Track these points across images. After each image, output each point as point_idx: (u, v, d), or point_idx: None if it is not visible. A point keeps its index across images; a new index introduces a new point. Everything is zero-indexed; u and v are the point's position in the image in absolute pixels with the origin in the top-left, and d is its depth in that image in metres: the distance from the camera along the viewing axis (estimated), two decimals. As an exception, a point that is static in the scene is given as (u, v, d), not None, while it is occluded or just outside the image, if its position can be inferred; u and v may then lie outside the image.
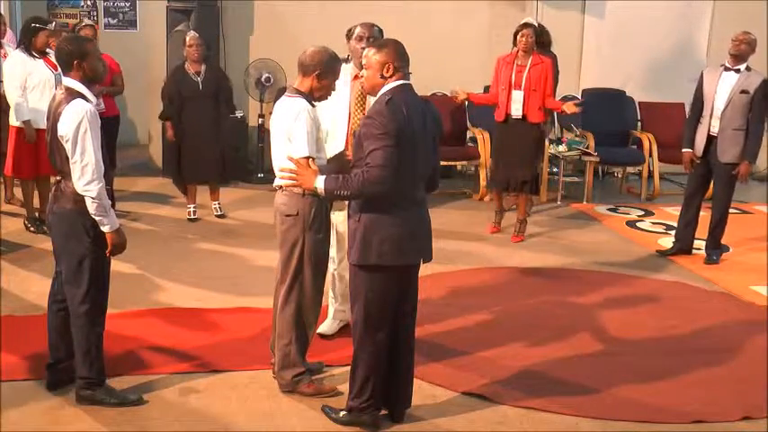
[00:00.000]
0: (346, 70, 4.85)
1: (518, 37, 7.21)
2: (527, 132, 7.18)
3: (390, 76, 3.74)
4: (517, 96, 7.12)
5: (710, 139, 6.72)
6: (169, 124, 7.49)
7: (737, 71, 6.63)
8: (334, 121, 4.79)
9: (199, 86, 7.42)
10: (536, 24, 7.37)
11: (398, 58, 3.75)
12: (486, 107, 7.67)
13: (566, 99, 8.31)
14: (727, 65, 6.70)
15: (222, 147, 7.63)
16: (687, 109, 8.52)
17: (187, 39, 7.47)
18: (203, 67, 7.48)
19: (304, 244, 4.14)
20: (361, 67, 4.64)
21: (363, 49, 4.54)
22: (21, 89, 6.64)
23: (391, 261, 3.74)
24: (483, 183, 8.87)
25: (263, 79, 9.18)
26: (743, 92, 6.58)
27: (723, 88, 6.65)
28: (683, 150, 6.92)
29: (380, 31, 4.89)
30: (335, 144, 4.70)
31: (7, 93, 6.77)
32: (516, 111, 7.14)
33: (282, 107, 4.15)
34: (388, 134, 3.58)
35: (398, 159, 3.60)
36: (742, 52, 6.62)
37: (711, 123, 6.69)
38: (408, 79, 3.81)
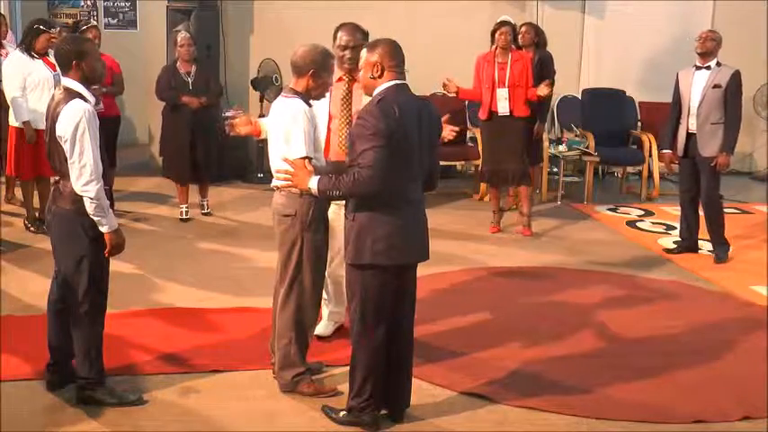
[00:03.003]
0: None
1: (496, 35, 7.32)
2: (514, 127, 7.32)
3: (380, 77, 3.75)
4: (502, 93, 7.25)
5: (690, 137, 6.79)
6: (185, 98, 7.45)
7: (708, 68, 6.74)
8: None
9: (189, 86, 7.52)
10: (513, 22, 7.47)
11: (390, 58, 3.75)
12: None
13: (565, 99, 8.34)
14: (698, 64, 6.80)
15: (210, 146, 7.66)
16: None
17: (179, 39, 7.58)
18: (194, 68, 7.56)
19: (303, 244, 4.14)
20: (344, 69, 4.71)
21: (347, 57, 4.65)
22: (20, 89, 6.64)
23: (385, 261, 3.75)
24: (483, 183, 8.87)
25: (273, 78, 9.19)
26: (715, 86, 6.68)
27: (696, 86, 6.76)
28: (662, 152, 7.04)
29: (365, 34, 4.84)
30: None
31: (6, 93, 6.77)
32: (503, 108, 7.25)
33: (279, 108, 4.15)
34: (378, 134, 3.60)
35: (390, 159, 3.61)
36: (709, 49, 6.73)
37: (689, 121, 6.79)
38: (403, 79, 3.81)
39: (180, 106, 7.46)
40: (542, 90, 7.25)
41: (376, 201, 3.71)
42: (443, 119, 4.48)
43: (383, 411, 4.02)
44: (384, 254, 3.74)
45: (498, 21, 7.44)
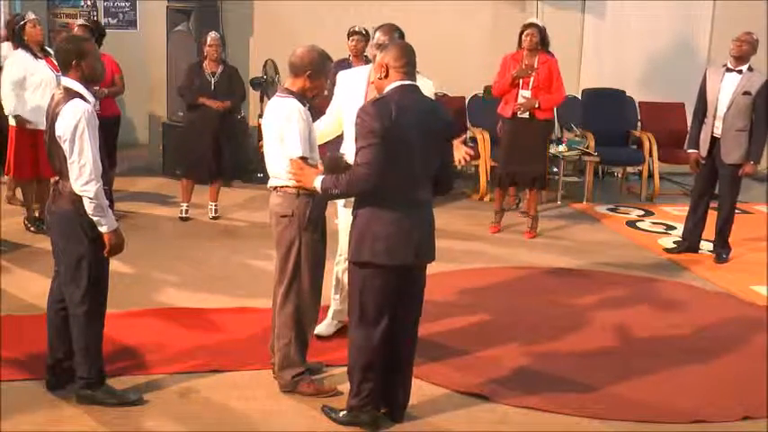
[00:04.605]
0: (363, 73, 4.79)
1: (523, 36, 7.27)
2: (536, 129, 7.29)
3: (385, 77, 3.78)
4: (525, 95, 7.20)
5: (714, 141, 6.72)
6: (203, 99, 7.46)
7: (739, 72, 6.62)
8: (349, 123, 4.78)
9: (211, 86, 7.52)
10: (541, 24, 7.41)
11: (395, 59, 3.78)
12: (495, 106, 7.69)
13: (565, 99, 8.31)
14: (729, 66, 6.69)
15: (228, 147, 7.64)
16: (687, 109, 8.54)
17: (208, 38, 7.59)
18: (220, 68, 7.57)
19: (300, 244, 4.14)
20: None
21: None
22: (17, 86, 6.64)
23: (384, 260, 3.77)
24: (483, 183, 8.88)
25: (274, 78, 9.20)
26: (745, 93, 6.57)
27: (725, 90, 6.64)
28: (689, 151, 6.94)
29: (402, 36, 4.76)
30: (348, 146, 4.70)
31: (3, 87, 6.75)
32: (524, 111, 7.20)
33: (274, 108, 4.15)
34: (373, 132, 3.63)
35: (386, 158, 3.63)
36: (744, 53, 6.61)
37: (715, 125, 6.69)
38: (411, 80, 3.80)
39: (200, 106, 7.47)
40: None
41: (376, 200, 3.72)
42: (458, 141, 4.48)
43: (383, 410, 4.02)
44: (383, 253, 3.75)
45: (527, 22, 7.45)
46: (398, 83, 3.77)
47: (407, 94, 3.77)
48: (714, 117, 6.69)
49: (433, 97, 4.70)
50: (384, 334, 3.87)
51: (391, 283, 3.83)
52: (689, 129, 7.04)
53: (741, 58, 6.63)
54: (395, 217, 3.75)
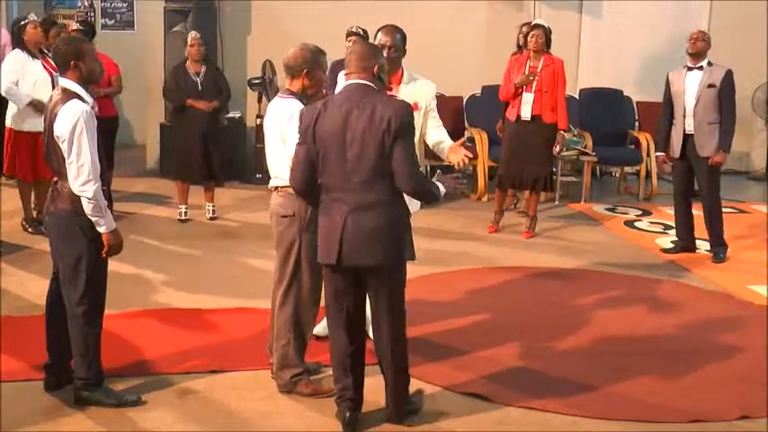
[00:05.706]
0: None
1: (529, 38, 7.27)
2: (540, 132, 7.26)
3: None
4: (527, 98, 7.22)
5: (686, 138, 6.80)
6: (191, 101, 7.44)
7: (700, 68, 6.75)
8: None
9: (198, 87, 7.46)
10: (546, 25, 7.39)
11: (346, 59, 3.86)
12: (492, 106, 7.68)
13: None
14: (689, 64, 6.81)
15: (217, 148, 7.63)
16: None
17: (189, 38, 7.53)
18: (203, 68, 7.53)
19: (301, 244, 4.15)
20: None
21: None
22: (14, 83, 6.64)
23: (320, 259, 3.85)
24: (481, 183, 8.88)
25: (272, 79, 9.20)
26: (710, 86, 6.70)
27: (691, 86, 6.77)
28: (656, 154, 7.02)
29: (404, 37, 4.73)
30: None
31: (2, 84, 6.75)
32: (525, 113, 7.22)
33: (275, 109, 4.16)
34: (298, 134, 3.79)
35: (306, 159, 3.74)
36: (700, 49, 6.76)
37: (686, 122, 6.79)
38: (363, 78, 3.78)
39: (187, 108, 7.44)
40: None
41: (321, 201, 3.81)
42: (458, 143, 4.47)
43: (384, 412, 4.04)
44: (321, 252, 3.82)
45: (533, 23, 7.45)
46: (347, 83, 3.82)
47: (347, 93, 3.78)
48: (684, 115, 6.78)
49: (434, 100, 4.70)
50: (348, 333, 3.90)
51: (340, 283, 3.85)
52: (661, 132, 7.08)
53: (698, 55, 6.76)
54: (328, 217, 3.78)
